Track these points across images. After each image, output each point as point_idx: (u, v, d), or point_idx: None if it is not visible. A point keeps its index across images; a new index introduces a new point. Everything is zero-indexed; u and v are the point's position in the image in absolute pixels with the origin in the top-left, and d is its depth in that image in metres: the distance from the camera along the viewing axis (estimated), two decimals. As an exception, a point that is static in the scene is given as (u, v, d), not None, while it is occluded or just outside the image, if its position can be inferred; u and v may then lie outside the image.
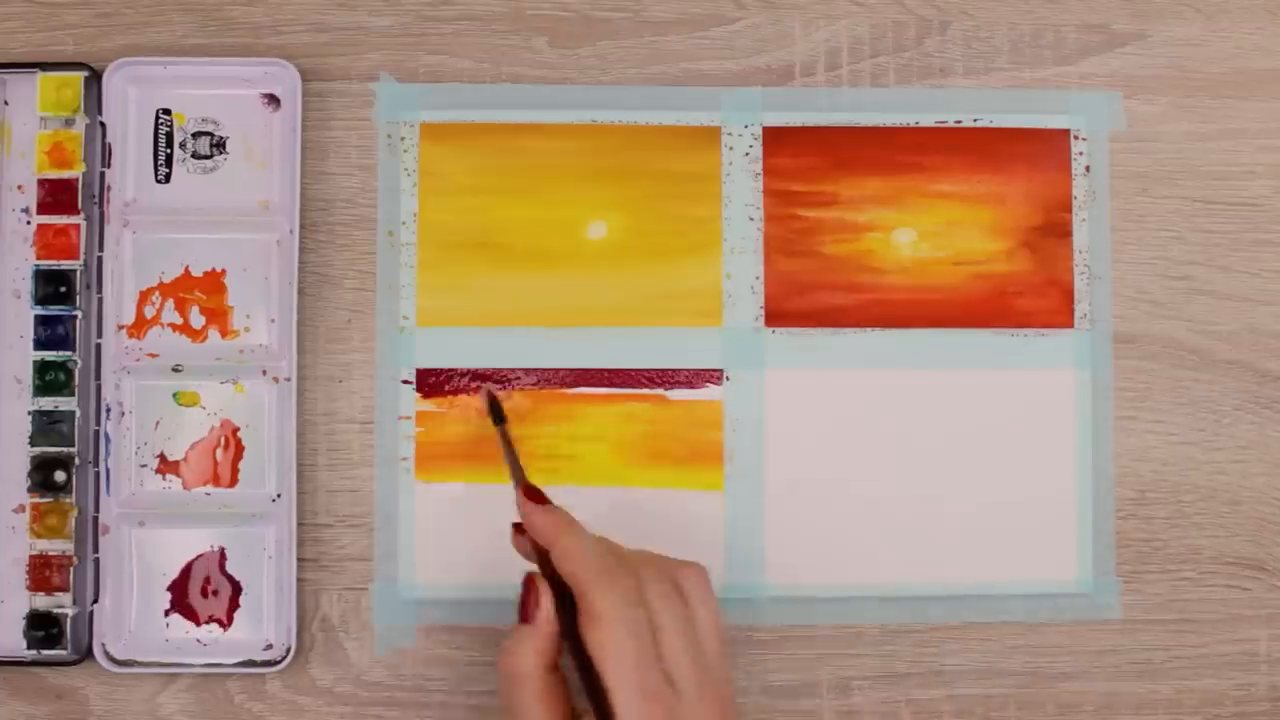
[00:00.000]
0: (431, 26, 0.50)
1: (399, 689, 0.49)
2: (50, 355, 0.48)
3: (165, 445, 0.49)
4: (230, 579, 0.49)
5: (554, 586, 0.41)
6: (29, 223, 0.49)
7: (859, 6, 0.51)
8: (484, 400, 0.48)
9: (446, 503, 0.49)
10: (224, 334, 0.49)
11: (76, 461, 0.48)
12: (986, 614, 0.50)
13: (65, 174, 0.48)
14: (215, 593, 0.48)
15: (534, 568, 0.43)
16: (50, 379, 0.48)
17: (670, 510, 0.49)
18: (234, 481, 0.49)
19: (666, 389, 0.50)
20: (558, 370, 0.50)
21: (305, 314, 0.49)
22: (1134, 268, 0.51)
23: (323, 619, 0.49)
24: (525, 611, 0.41)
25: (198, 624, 0.48)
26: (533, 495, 0.43)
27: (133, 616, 0.48)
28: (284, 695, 0.49)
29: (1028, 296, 0.51)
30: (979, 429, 0.50)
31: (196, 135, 0.49)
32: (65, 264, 0.48)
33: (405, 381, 0.49)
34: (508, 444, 0.46)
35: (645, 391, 0.50)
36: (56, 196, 0.48)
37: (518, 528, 0.44)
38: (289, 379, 0.49)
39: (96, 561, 0.48)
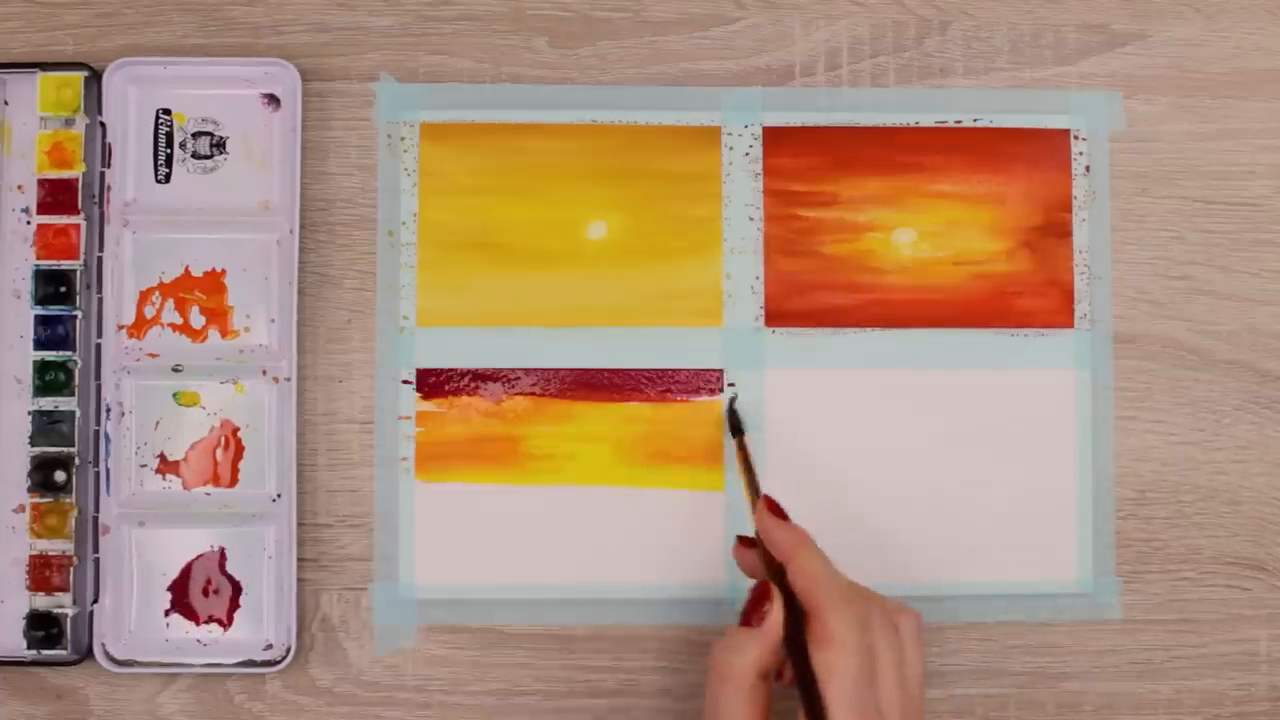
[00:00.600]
0: (431, 26, 0.50)
1: (399, 689, 0.49)
2: (50, 355, 0.48)
3: (165, 445, 0.49)
4: (230, 579, 0.49)
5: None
6: (29, 223, 0.49)
7: (859, 6, 0.51)
8: (724, 411, 0.49)
9: (446, 503, 0.49)
10: (224, 334, 0.49)
11: (76, 461, 0.48)
12: (986, 614, 0.50)
13: (65, 174, 0.48)
14: (216, 592, 0.48)
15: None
16: (50, 379, 0.48)
17: (670, 510, 0.49)
18: (234, 481, 0.49)
19: (667, 389, 0.50)
20: (558, 370, 0.50)
21: (305, 314, 0.49)
22: (1134, 268, 0.51)
23: (323, 619, 0.49)
24: (751, 616, 0.42)
25: (198, 624, 0.48)
26: (774, 509, 0.45)
27: (133, 616, 0.48)
28: (284, 695, 0.49)
29: (1028, 296, 0.51)
30: (979, 429, 0.50)
31: (196, 135, 0.49)
32: (65, 264, 0.48)
33: (405, 381, 0.49)
34: (745, 456, 0.47)
35: (645, 391, 0.50)
36: (56, 196, 0.48)
37: (744, 541, 0.46)
38: (289, 379, 0.49)
39: (96, 561, 0.48)
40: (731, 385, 0.49)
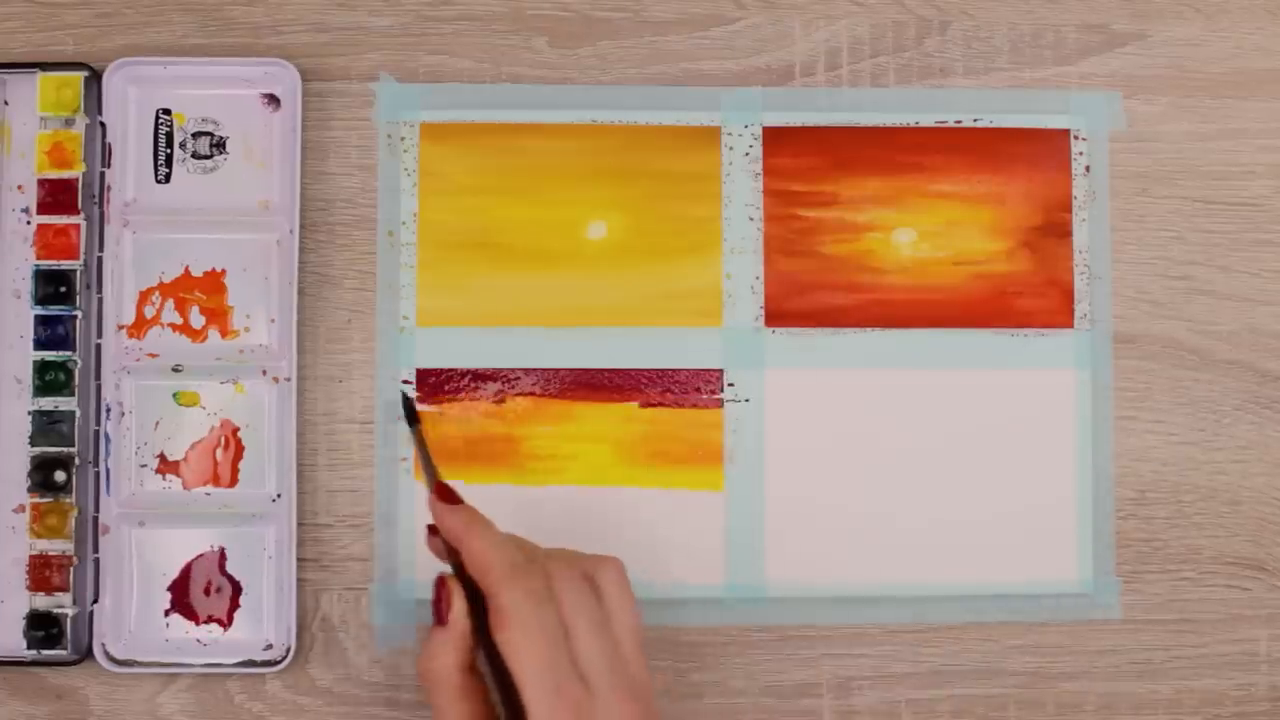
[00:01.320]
0: (431, 26, 0.50)
1: (399, 689, 0.49)
2: (50, 355, 0.48)
3: (165, 445, 0.49)
4: (230, 579, 0.49)
5: (466, 587, 0.41)
6: (29, 223, 0.49)
7: (859, 6, 0.51)
8: (401, 404, 0.48)
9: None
10: (224, 334, 0.49)
11: (76, 461, 0.48)
12: (986, 614, 0.50)
13: (65, 174, 0.48)
14: (217, 592, 0.48)
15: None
16: (50, 379, 0.48)
17: (670, 510, 0.49)
18: (234, 481, 0.49)
19: (667, 389, 0.50)
20: (558, 370, 0.50)
21: (305, 314, 0.49)
22: (1134, 268, 0.51)
23: (323, 619, 0.49)
24: (438, 613, 0.41)
25: (197, 624, 0.48)
26: (445, 495, 0.43)
27: (133, 616, 0.48)
28: (284, 695, 0.49)
29: (1028, 296, 0.51)
30: (979, 429, 0.50)
31: (196, 135, 0.49)
32: (65, 264, 0.48)
33: (405, 381, 0.49)
34: (422, 445, 0.46)
35: (645, 391, 0.50)
36: (56, 196, 0.48)
37: (431, 529, 0.43)
38: (289, 379, 0.49)
39: (96, 561, 0.48)
40: (407, 382, 0.49)
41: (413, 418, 0.47)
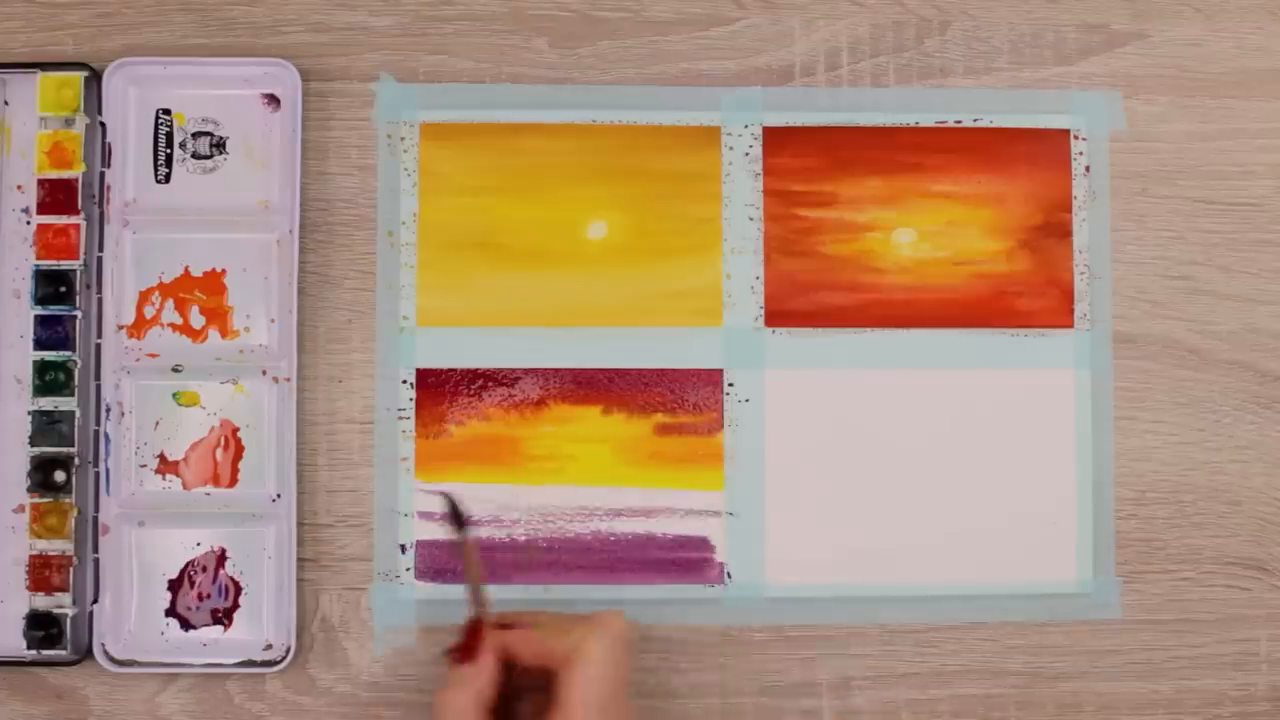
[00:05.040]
0: (431, 26, 0.50)
1: (399, 689, 0.49)
2: (50, 355, 0.48)
3: (165, 445, 0.49)
4: (230, 579, 0.49)
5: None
6: (29, 223, 0.49)
7: (859, 6, 0.51)
8: (445, 509, 0.45)
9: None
10: (224, 334, 0.49)
11: (76, 461, 0.48)
12: (986, 614, 0.50)
13: (65, 174, 0.48)
14: (217, 591, 0.48)
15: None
16: (50, 379, 0.48)
17: (670, 510, 0.49)
18: (234, 481, 0.49)
19: (667, 389, 0.50)
20: (558, 370, 0.50)
21: (305, 314, 0.49)
22: (1134, 268, 0.51)
23: (323, 619, 0.49)
24: (469, 650, 0.43)
25: (197, 625, 0.48)
26: (471, 641, 0.44)
27: (132, 616, 0.48)
28: (284, 695, 0.49)
29: (1028, 296, 0.51)
30: (979, 429, 0.50)
31: (196, 135, 0.49)
32: (65, 264, 0.48)
33: (405, 381, 0.49)
34: (469, 556, 0.45)
35: (645, 392, 0.50)
36: (56, 196, 0.48)
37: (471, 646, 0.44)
38: (289, 379, 0.49)
39: (96, 561, 0.48)
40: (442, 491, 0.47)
41: (460, 521, 0.44)
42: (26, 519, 0.48)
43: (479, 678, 0.42)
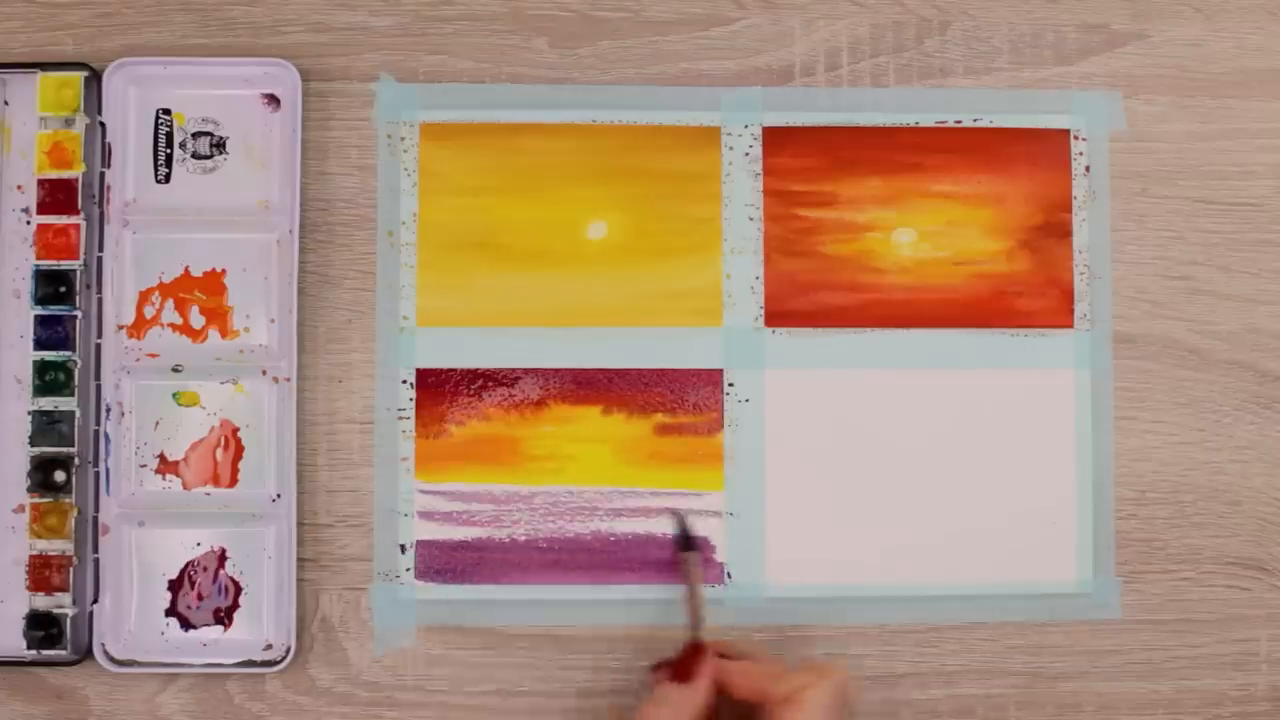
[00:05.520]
0: (431, 26, 0.50)
1: (399, 689, 0.49)
2: (50, 355, 0.48)
3: (165, 445, 0.49)
4: (230, 579, 0.49)
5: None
6: (29, 223, 0.49)
7: (859, 6, 0.51)
8: (674, 524, 0.47)
9: (446, 503, 0.49)
10: (224, 334, 0.49)
11: (76, 461, 0.48)
12: (986, 614, 0.50)
13: (65, 174, 0.48)
14: (217, 591, 0.48)
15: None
16: (50, 379, 0.48)
17: (670, 510, 0.49)
18: (234, 481, 0.49)
19: (667, 389, 0.50)
20: (558, 370, 0.50)
21: (305, 314, 0.49)
22: (1134, 268, 0.51)
23: (323, 619, 0.49)
24: (685, 670, 0.42)
25: (197, 625, 0.48)
26: (690, 662, 0.44)
27: (132, 616, 0.48)
28: (284, 695, 0.49)
29: (1028, 296, 0.51)
30: (979, 429, 0.50)
31: (196, 135, 0.49)
32: (65, 264, 0.48)
33: (405, 381, 0.49)
34: (695, 578, 0.45)
35: (645, 392, 0.50)
36: (56, 196, 0.48)
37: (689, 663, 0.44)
38: (289, 379, 0.49)
39: (96, 561, 0.48)
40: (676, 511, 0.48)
41: (688, 541, 0.45)
42: (26, 519, 0.48)
43: (692, 700, 0.42)
